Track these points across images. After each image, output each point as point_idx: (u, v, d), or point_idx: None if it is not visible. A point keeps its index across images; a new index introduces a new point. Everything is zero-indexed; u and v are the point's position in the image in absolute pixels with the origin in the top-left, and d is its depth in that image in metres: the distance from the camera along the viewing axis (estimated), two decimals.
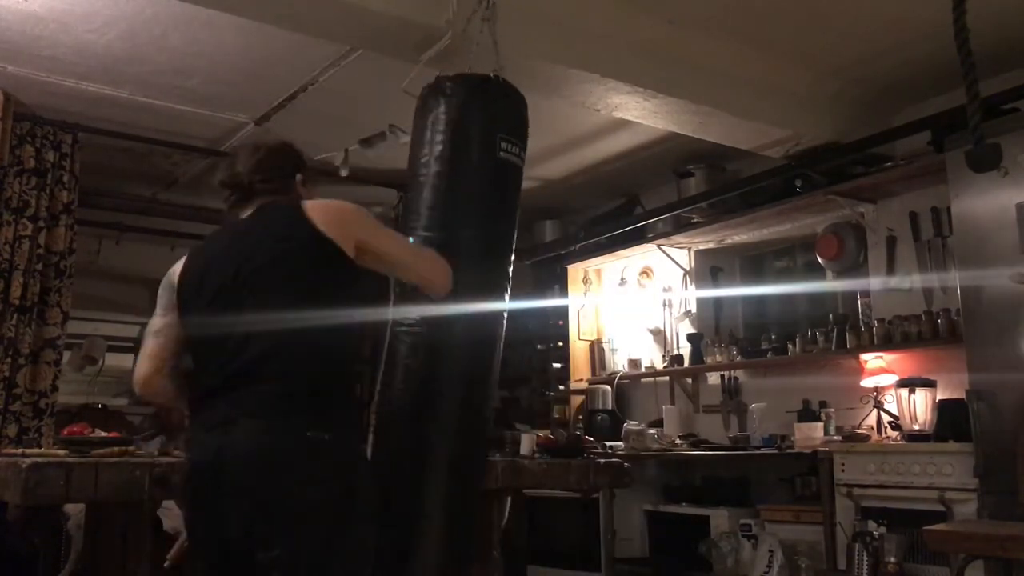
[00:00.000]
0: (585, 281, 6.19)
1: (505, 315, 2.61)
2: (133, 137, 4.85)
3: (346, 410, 1.91)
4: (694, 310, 5.67)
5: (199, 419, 1.90)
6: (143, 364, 2.05)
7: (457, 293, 2.28)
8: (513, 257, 2.63)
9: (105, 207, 5.55)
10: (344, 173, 4.88)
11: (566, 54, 3.58)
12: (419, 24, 3.23)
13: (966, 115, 1.82)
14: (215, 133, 4.97)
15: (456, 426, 2.41)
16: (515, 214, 2.63)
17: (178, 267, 2.07)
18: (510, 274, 2.61)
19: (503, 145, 2.53)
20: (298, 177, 2.12)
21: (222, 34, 3.79)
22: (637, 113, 4.07)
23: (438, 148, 2.52)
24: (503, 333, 2.60)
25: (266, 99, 4.51)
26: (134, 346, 7.54)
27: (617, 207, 5.94)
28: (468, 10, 2.93)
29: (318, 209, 1.93)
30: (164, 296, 2.06)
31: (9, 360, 4.28)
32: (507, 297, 2.62)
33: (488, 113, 2.57)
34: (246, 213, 2.04)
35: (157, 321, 2.06)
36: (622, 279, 6.09)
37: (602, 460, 3.32)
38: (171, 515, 3.55)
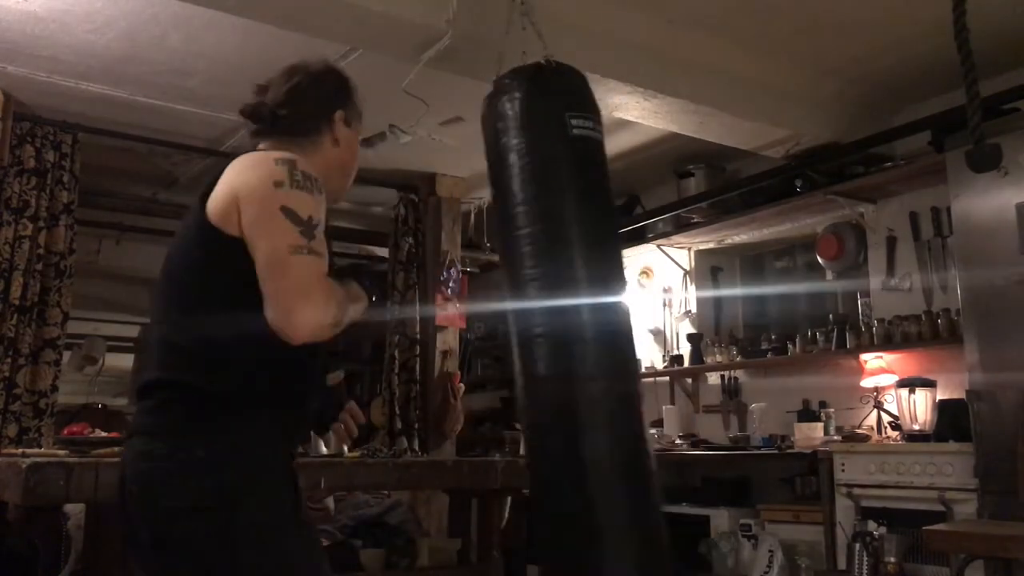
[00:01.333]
0: None
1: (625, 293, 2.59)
2: (133, 137, 4.84)
3: (243, 428, 1.53)
4: (694, 310, 5.67)
5: None
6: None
7: (574, 282, 2.33)
8: (618, 229, 2.64)
9: (105, 207, 5.55)
10: None
11: (566, 54, 3.57)
12: (419, 24, 3.23)
13: (966, 115, 1.82)
14: (215, 133, 4.97)
15: (611, 427, 2.33)
16: (608, 186, 2.61)
17: None
18: (620, 248, 2.63)
19: (574, 122, 2.51)
20: (336, 115, 1.75)
21: (222, 34, 3.79)
22: (637, 113, 4.07)
23: (513, 144, 2.51)
24: (630, 315, 2.55)
25: None
26: (134, 346, 7.56)
27: (617, 207, 5.94)
28: (500, 12, 2.92)
29: (228, 176, 1.57)
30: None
31: (9, 360, 4.28)
32: (624, 274, 2.62)
33: (550, 96, 2.56)
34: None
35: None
36: None
37: None
38: None
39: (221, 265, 1.54)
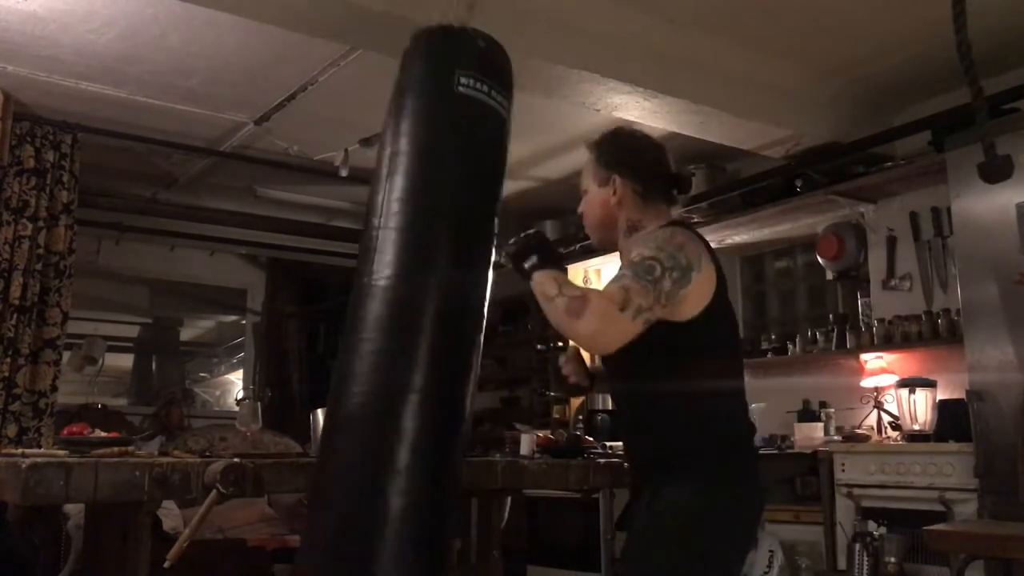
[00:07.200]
0: (585, 281, 6.18)
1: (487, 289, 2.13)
2: (133, 137, 4.84)
3: None
4: None
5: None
6: None
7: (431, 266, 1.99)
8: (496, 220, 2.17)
9: (105, 207, 5.55)
10: (344, 173, 4.88)
11: (566, 54, 3.58)
12: (419, 24, 3.22)
13: (969, 118, 1.81)
14: (215, 133, 4.97)
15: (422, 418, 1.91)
16: (495, 165, 2.20)
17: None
18: (493, 234, 2.17)
19: (462, 80, 2.10)
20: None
21: (222, 34, 3.79)
22: (637, 113, 4.07)
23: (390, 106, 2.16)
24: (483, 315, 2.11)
25: (266, 99, 4.51)
26: (133, 346, 7.53)
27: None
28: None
29: None
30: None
31: (9, 360, 4.28)
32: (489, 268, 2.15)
33: (443, 51, 2.19)
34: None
35: None
36: None
37: (602, 460, 3.31)
38: (171, 515, 3.55)
39: None
